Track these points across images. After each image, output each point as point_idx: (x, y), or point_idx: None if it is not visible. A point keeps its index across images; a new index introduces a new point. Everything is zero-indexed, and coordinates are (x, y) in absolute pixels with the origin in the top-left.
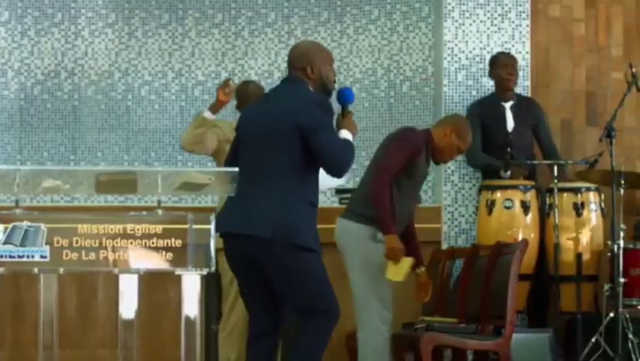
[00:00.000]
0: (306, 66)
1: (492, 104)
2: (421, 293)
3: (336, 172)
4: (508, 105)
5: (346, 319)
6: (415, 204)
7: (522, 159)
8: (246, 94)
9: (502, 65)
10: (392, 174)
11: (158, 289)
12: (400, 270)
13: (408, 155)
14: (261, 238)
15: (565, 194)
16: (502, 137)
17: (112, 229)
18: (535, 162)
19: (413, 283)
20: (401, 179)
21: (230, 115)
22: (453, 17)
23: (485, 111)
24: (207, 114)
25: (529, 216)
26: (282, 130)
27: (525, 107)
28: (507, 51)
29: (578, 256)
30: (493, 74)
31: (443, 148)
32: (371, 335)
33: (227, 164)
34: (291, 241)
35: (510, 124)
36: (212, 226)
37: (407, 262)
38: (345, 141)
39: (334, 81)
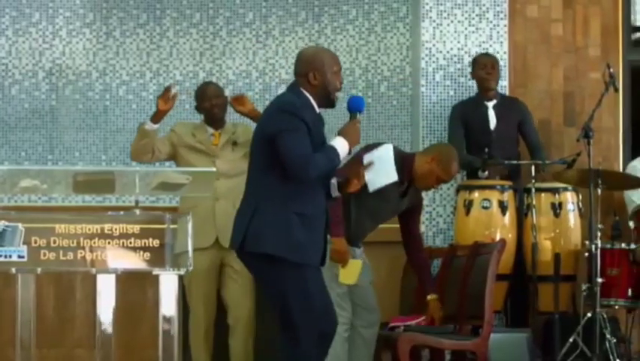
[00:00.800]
0: (308, 72)
1: (475, 103)
2: (434, 319)
3: (295, 178)
4: (490, 104)
5: None
6: (377, 224)
7: (499, 158)
8: (205, 94)
9: (481, 66)
10: None
11: (135, 288)
12: (351, 273)
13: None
14: (235, 250)
15: (543, 194)
16: (484, 136)
17: (89, 229)
18: (513, 162)
19: (391, 283)
20: (362, 193)
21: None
22: (431, 17)
23: (468, 110)
24: (148, 126)
25: (507, 216)
26: (255, 144)
27: (508, 106)
28: (486, 51)
29: (556, 256)
30: (474, 75)
31: (423, 175)
32: None
33: None
34: (256, 250)
35: (492, 123)
36: (189, 226)
37: (356, 264)
38: (328, 148)
39: (340, 88)
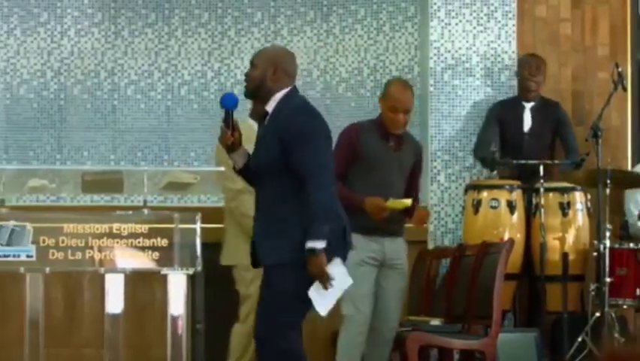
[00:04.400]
0: None
1: (513, 103)
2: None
3: None
4: (528, 106)
5: (333, 317)
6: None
7: (508, 158)
8: None
9: (525, 66)
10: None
11: (144, 288)
12: (397, 203)
13: (342, 150)
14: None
15: (551, 194)
16: (517, 136)
17: (98, 229)
18: (522, 161)
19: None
20: (359, 173)
21: None
22: (439, 17)
23: (505, 110)
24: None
25: (515, 216)
26: None
27: (546, 109)
28: (537, 55)
29: (564, 255)
30: (517, 74)
31: (385, 117)
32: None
33: None
34: None
35: (527, 124)
36: (197, 226)
37: (396, 203)
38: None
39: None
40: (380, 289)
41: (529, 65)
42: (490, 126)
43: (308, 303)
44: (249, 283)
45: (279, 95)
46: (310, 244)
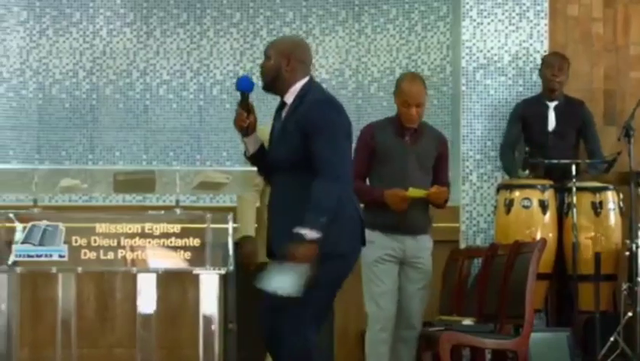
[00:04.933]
0: None
1: (536, 103)
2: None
3: None
4: (552, 105)
5: (363, 317)
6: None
7: (539, 158)
8: None
9: (548, 65)
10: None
11: (176, 288)
12: (416, 192)
13: (360, 152)
14: None
15: (583, 193)
16: (542, 136)
17: (130, 229)
18: (554, 160)
19: (432, 283)
20: (374, 170)
21: None
22: (471, 16)
23: (529, 109)
24: None
25: (548, 216)
26: None
27: (570, 108)
28: (560, 53)
29: (597, 255)
30: (541, 73)
31: (399, 112)
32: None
33: None
34: None
35: (551, 124)
36: (230, 226)
37: (414, 191)
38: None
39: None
40: (400, 288)
41: (551, 66)
42: (514, 125)
43: (325, 294)
44: None
45: (297, 86)
46: (301, 230)
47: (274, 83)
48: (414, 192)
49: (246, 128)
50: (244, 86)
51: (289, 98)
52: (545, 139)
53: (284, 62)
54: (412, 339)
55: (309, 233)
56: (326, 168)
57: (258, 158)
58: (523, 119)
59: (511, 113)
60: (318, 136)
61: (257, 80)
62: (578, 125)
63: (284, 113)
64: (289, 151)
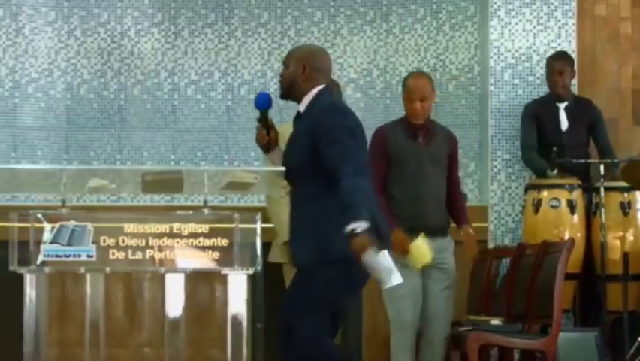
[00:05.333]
0: None
1: (547, 103)
2: (468, 250)
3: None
4: (562, 106)
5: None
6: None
7: (568, 157)
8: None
9: (551, 70)
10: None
11: (204, 288)
12: (419, 255)
13: (375, 155)
14: None
15: (611, 193)
16: (556, 136)
17: (158, 229)
18: (582, 160)
19: (459, 283)
20: (387, 173)
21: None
22: (499, 16)
23: (540, 110)
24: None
25: (576, 215)
26: None
27: (580, 108)
28: (560, 51)
29: (625, 255)
30: (547, 75)
31: (405, 111)
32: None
33: None
34: None
35: (564, 124)
36: (258, 226)
37: (418, 245)
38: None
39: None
40: (424, 290)
41: (553, 71)
42: (529, 125)
43: (334, 306)
44: None
45: (312, 94)
46: (351, 226)
47: (290, 91)
48: (417, 252)
49: (267, 144)
50: (262, 103)
51: (303, 106)
52: (560, 139)
53: (299, 70)
54: (438, 341)
55: (357, 225)
56: (343, 167)
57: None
58: (537, 120)
59: (523, 114)
60: (328, 142)
61: (275, 95)
62: (589, 124)
63: (297, 122)
64: (301, 157)
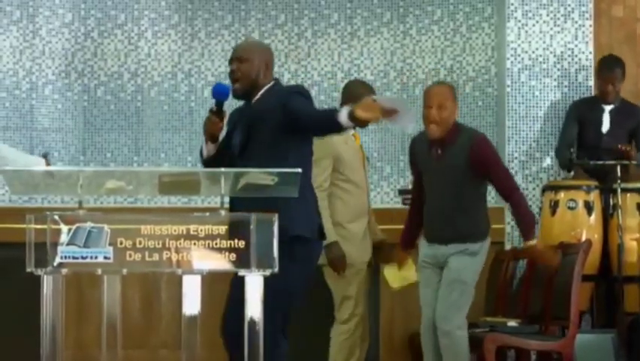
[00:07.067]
0: None
1: (592, 104)
2: (539, 261)
3: None
4: (608, 108)
5: (411, 319)
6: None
7: (585, 158)
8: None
9: (599, 75)
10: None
11: (221, 289)
12: (388, 279)
13: (411, 163)
14: None
15: (629, 194)
16: (596, 138)
17: (175, 230)
18: (599, 161)
19: (477, 283)
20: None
21: None
22: (516, 18)
23: (584, 110)
24: None
25: (593, 217)
26: None
27: (625, 112)
28: (611, 57)
29: None
30: (596, 77)
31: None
32: None
33: None
34: None
35: (605, 126)
36: (275, 227)
37: (385, 273)
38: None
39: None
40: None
41: (602, 77)
42: (571, 125)
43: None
44: (347, 284)
45: (265, 89)
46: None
47: (251, 89)
48: (387, 276)
49: (217, 134)
50: (221, 94)
51: (255, 98)
52: (599, 141)
53: (262, 67)
54: (444, 343)
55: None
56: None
57: (214, 157)
58: (579, 120)
59: (568, 113)
60: (296, 101)
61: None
62: (632, 128)
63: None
64: (272, 131)
